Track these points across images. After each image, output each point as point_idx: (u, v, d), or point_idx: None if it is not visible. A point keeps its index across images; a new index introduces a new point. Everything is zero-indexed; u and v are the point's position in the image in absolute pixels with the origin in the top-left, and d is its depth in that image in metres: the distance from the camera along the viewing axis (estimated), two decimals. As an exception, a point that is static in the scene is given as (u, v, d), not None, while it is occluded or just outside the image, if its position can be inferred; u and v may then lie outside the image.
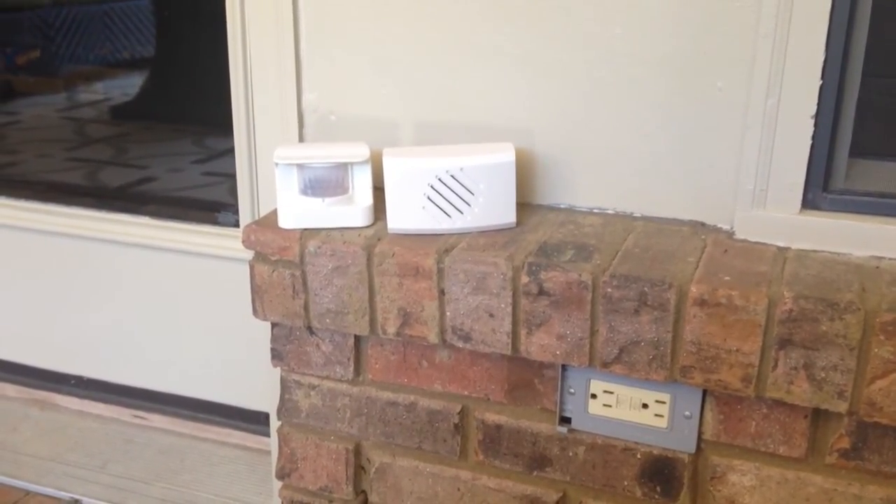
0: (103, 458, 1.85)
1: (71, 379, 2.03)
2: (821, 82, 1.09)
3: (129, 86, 1.93)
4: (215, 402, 1.91)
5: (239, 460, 1.84)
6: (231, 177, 1.49)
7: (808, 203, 1.15)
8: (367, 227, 1.23)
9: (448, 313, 1.16)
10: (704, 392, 1.12)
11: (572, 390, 1.19)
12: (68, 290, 1.96)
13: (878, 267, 1.09)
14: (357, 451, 1.34)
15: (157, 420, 1.96)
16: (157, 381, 1.95)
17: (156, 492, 1.75)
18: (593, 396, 1.18)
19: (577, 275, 1.09)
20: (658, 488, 1.18)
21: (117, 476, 1.79)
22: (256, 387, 1.71)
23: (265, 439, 1.80)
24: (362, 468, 1.35)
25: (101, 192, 1.92)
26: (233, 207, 1.74)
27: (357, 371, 1.29)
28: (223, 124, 1.46)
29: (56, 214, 1.91)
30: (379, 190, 1.25)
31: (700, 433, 1.14)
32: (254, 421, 1.86)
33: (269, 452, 1.75)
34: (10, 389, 2.07)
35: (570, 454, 1.22)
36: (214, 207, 1.80)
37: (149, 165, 1.92)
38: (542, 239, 1.18)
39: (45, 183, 1.97)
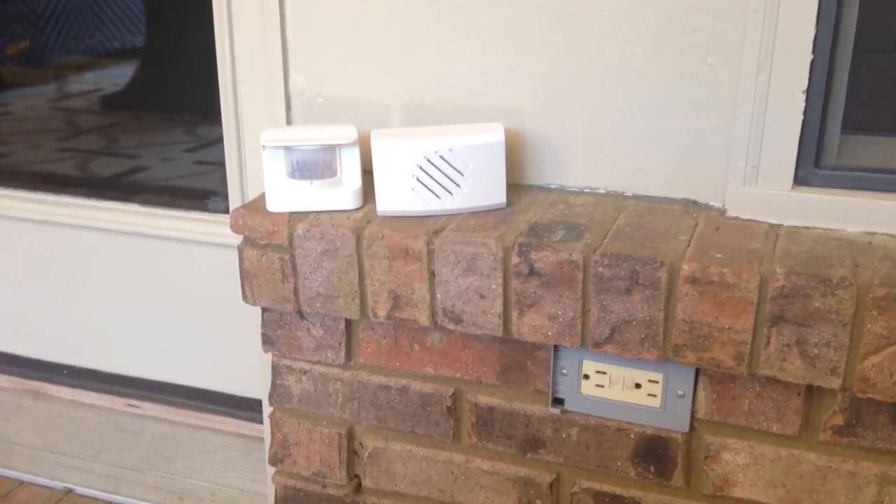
0: (96, 448, 1.84)
1: (63, 368, 2.03)
2: (811, 57, 1.08)
3: (119, 75, 1.92)
4: (208, 390, 1.91)
5: (233, 447, 1.84)
6: (223, 165, 1.48)
7: (800, 179, 1.14)
8: (356, 209, 1.22)
9: (439, 295, 1.15)
10: (697, 371, 1.12)
11: (565, 371, 1.18)
12: (60, 279, 1.95)
13: (870, 242, 1.09)
14: (350, 436, 1.33)
15: (150, 408, 1.95)
16: (149, 370, 1.95)
17: (149, 480, 1.74)
18: (586, 377, 1.18)
19: (567, 254, 1.08)
20: (652, 468, 1.18)
21: (110, 465, 1.79)
22: (250, 373, 1.70)
23: (259, 426, 1.80)
24: (355, 453, 1.34)
25: (92, 182, 1.91)
26: (223, 194, 1.73)
27: (348, 355, 1.28)
28: (215, 112, 1.45)
29: (45, 203, 1.90)
30: (368, 172, 1.24)
31: (693, 412, 1.14)
32: (247, 408, 1.86)
33: (263, 439, 1.75)
34: (2, 380, 2.07)
35: (564, 435, 1.21)
36: (204, 194, 1.79)
37: (140, 155, 1.91)
38: (532, 219, 1.17)
39: (36, 173, 1.96)
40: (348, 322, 1.26)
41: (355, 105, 1.33)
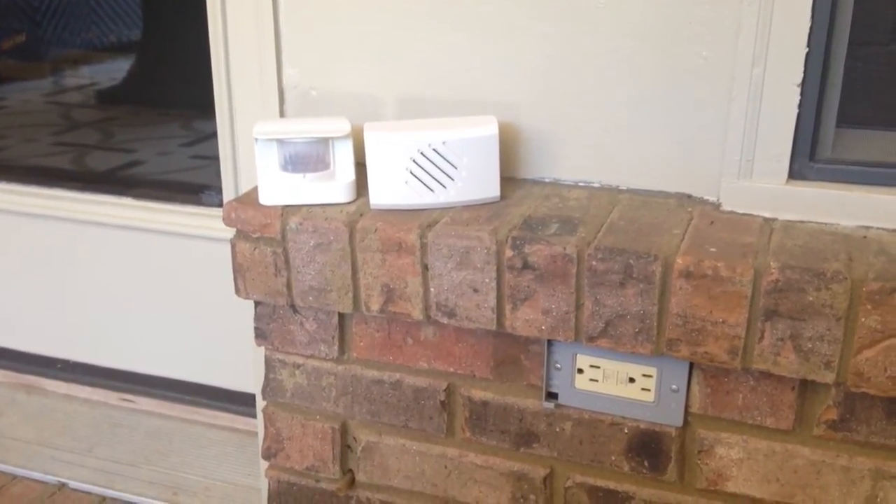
0: (90, 442, 1.84)
1: (57, 362, 2.02)
2: (807, 50, 1.08)
3: (115, 70, 1.91)
4: (203, 384, 1.90)
5: (227, 442, 1.83)
6: (218, 159, 1.47)
7: (795, 173, 1.14)
8: (349, 202, 1.22)
9: (432, 289, 1.15)
10: (691, 365, 1.11)
11: (558, 365, 1.18)
12: (54, 273, 1.94)
13: (865, 237, 1.08)
14: (343, 430, 1.32)
15: (144, 403, 1.95)
16: (144, 364, 1.94)
17: (143, 475, 1.74)
18: (580, 371, 1.17)
19: (561, 248, 1.07)
20: (645, 462, 1.18)
21: (104, 459, 1.78)
22: (244, 368, 1.70)
23: (253, 421, 1.79)
24: (349, 447, 1.33)
25: (88, 176, 1.91)
26: (218, 188, 1.72)
27: (342, 349, 1.28)
28: (210, 107, 1.44)
29: (41, 197, 1.90)
30: (361, 165, 1.23)
31: (687, 406, 1.13)
32: (242, 402, 1.86)
33: (257, 434, 1.74)
34: (-4, 374, 2.07)
35: (557, 430, 1.21)
36: (199, 188, 1.79)
37: (136, 149, 1.90)
38: (526, 213, 1.17)
39: (32, 167, 1.95)
40: (341, 316, 1.26)
41: (349, 98, 1.33)
